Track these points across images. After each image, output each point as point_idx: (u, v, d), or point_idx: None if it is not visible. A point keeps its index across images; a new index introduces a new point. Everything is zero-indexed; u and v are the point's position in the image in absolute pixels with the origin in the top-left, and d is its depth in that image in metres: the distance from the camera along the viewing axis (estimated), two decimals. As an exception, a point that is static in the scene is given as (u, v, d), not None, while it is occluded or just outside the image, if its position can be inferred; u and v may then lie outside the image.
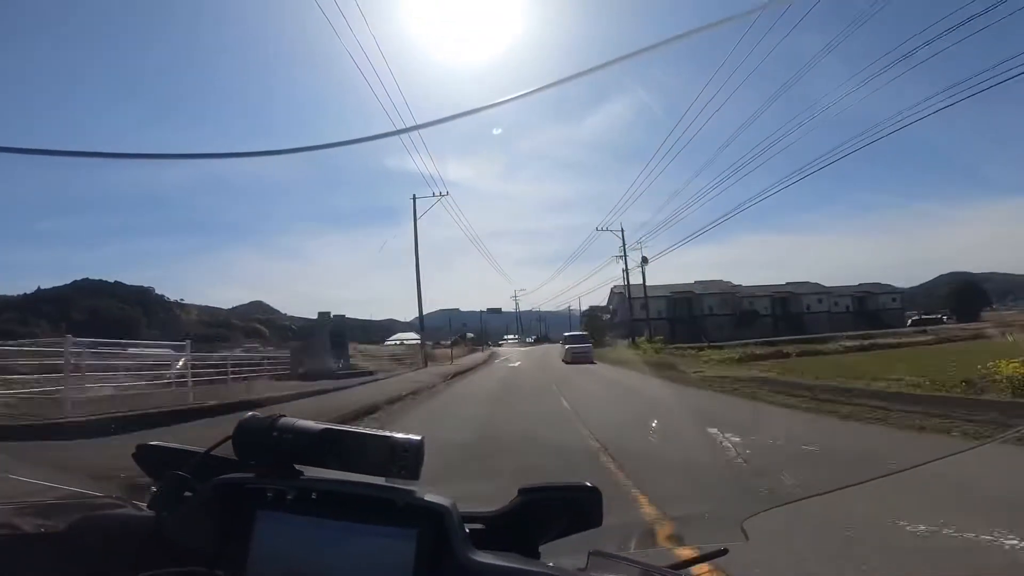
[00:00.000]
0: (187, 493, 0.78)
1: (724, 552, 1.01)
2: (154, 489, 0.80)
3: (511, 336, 73.34)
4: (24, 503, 0.97)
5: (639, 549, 1.35)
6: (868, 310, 50.68)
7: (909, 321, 46.67)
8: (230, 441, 0.78)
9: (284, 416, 0.79)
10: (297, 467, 0.79)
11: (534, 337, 76.68)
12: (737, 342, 30.59)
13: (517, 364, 28.20)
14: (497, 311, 55.51)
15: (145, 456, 0.90)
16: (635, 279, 40.63)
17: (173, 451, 0.90)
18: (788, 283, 52.44)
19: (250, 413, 0.79)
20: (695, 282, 51.49)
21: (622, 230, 40.08)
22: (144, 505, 0.82)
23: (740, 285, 52.15)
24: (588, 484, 0.84)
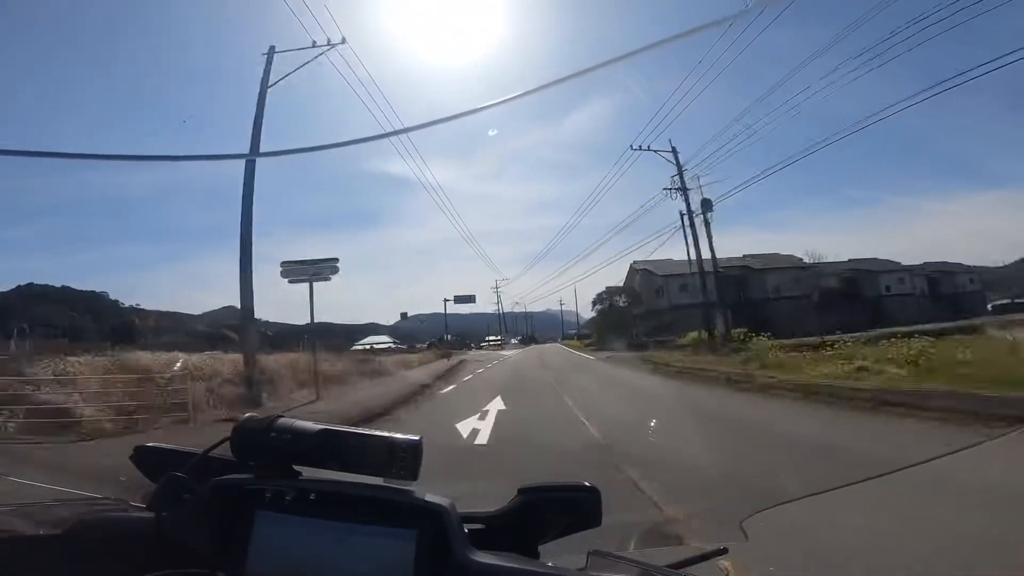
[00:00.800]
0: (186, 494, 0.78)
1: (724, 551, 1.01)
2: (147, 490, 0.80)
3: (493, 337, 64.56)
4: (24, 505, 0.97)
5: (638, 549, 1.35)
6: (942, 293, 39.47)
7: (989, 306, 36.43)
8: (228, 442, 0.78)
9: (282, 416, 0.79)
10: (296, 468, 0.79)
11: (519, 337, 68.48)
12: (866, 334, 17.17)
13: (482, 429, 7.12)
14: (469, 299, 43.43)
15: (143, 458, 0.90)
16: (666, 253, 28.06)
17: (171, 452, 0.90)
18: (851, 259, 38.31)
19: (248, 414, 0.79)
20: (745, 256, 35.79)
21: (674, 149, 22.28)
22: (143, 506, 0.82)
23: (805, 260, 35.96)
24: (587, 484, 0.85)
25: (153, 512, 0.77)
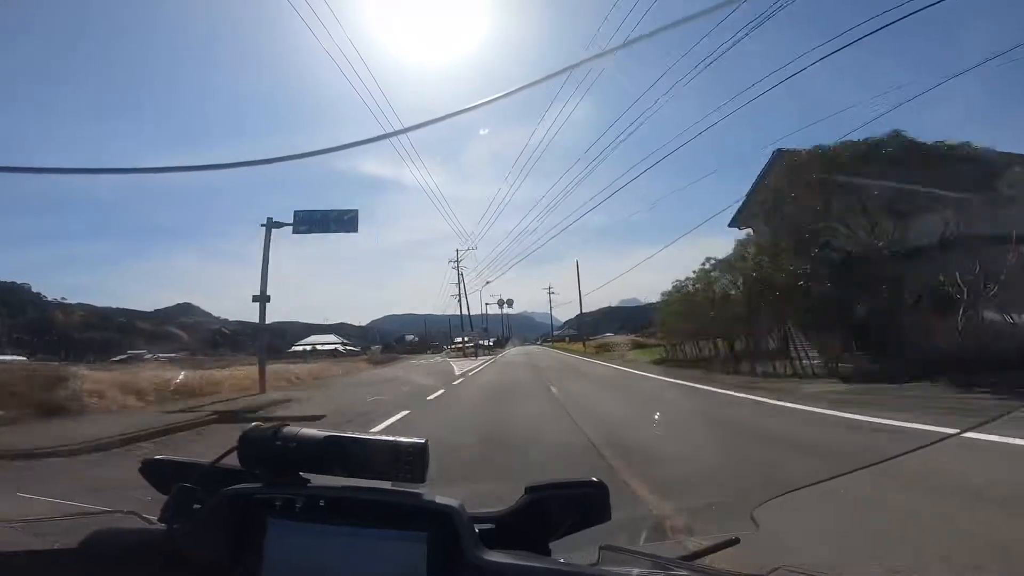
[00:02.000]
0: (196, 505, 0.78)
1: (736, 541, 1.01)
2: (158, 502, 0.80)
3: (460, 340, 52.19)
4: (38, 519, 0.98)
5: (650, 542, 1.35)
6: None
7: None
8: (235, 452, 0.79)
9: (288, 425, 0.79)
10: (303, 475, 0.79)
11: (492, 340, 57.44)
12: None
13: None
14: (337, 221, 16.23)
15: (152, 470, 0.91)
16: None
17: (179, 464, 0.91)
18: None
19: (254, 423, 0.80)
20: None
21: None
22: (155, 519, 0.82)
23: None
24: (595, 480, 0.85)
25: (165, 524, 0.78)
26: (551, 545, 0.83)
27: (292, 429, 0.78)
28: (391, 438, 0.77)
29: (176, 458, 0.93)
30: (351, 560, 0.72)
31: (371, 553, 0.72)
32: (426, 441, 0.76)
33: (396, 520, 0.73)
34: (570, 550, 0.84)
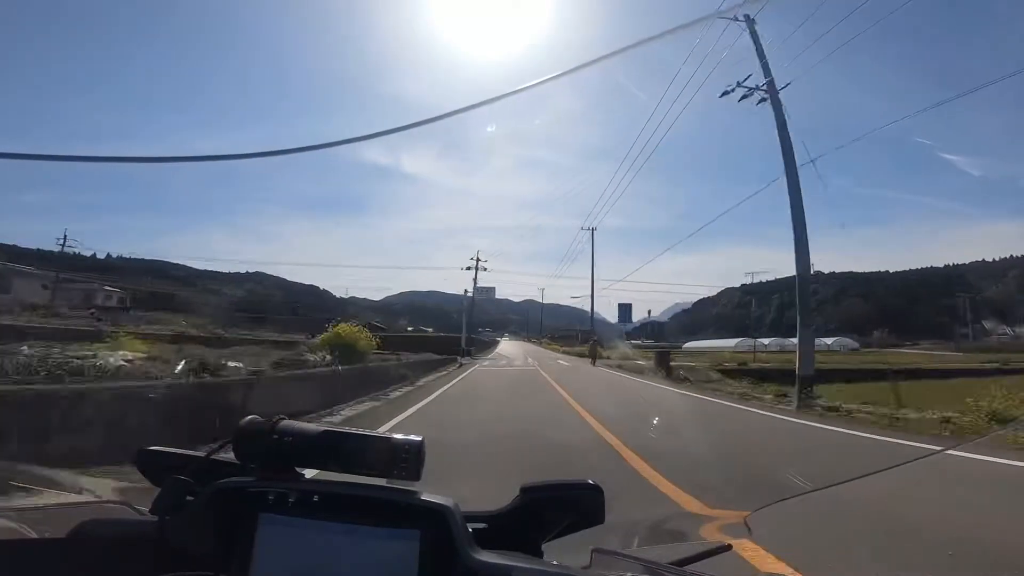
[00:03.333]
0: (189, 497, 0.78)
1: (728, 548, 1.02)
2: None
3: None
4: (25, 508, 0.97)
5: (642, 546, 1.35)
6: None
7: None
8: (231, 445, 0.79)
9: (284, 419, 0.79)
10: (298, 469, 0.79)
11: (505, 334, 50.60)
12: None
13: None
14: None
15: (146, 461, 0.90)
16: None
17: (174, 455, 0.90)
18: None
19: (250, 416, 0.80)
20: None
21: None
22: (146, 510, 0.82)
23: None
24: (590, 482, 0.85)
25: (156, 515, 0.78)
26: (543, 546, 0.83)
27: (289, 423, 0.78)
28: (388, 435, 0.77)
29: (171, 449, 0.92)
30: (343, 556, 0.72)
31: (363, 550, 0.72)
32: (422, 439, 0.76)
33: (390, 518, 0.73)
34: (562, 552, 0.84)
